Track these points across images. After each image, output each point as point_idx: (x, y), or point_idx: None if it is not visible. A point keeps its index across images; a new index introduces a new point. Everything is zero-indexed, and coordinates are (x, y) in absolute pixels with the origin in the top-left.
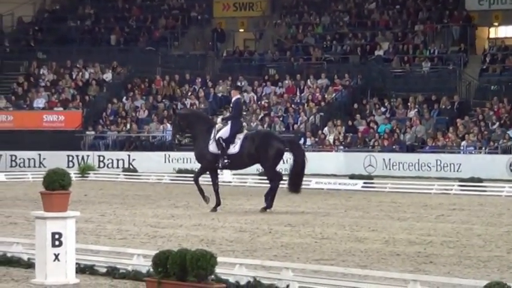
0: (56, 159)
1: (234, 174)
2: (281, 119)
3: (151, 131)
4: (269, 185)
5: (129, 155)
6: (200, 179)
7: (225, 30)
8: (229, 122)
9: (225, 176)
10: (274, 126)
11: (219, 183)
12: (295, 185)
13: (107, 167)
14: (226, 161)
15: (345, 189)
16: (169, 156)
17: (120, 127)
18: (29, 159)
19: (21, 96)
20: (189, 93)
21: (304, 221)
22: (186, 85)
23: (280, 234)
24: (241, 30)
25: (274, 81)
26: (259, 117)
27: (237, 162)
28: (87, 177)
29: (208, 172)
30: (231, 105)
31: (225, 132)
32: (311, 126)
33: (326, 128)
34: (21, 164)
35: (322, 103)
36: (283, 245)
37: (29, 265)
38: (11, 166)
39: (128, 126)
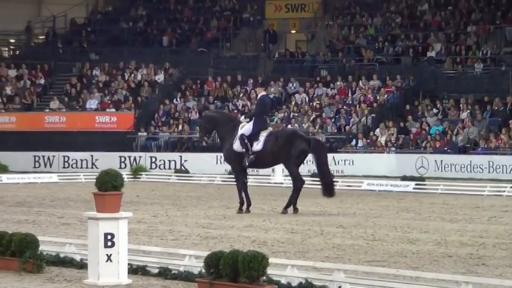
0: (108, 160)
1: (286, 176)
2: (333, 120)
3: None
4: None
5: (181, 156)
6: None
7: (276, 32)
8: (253, 119)
9: (277, 177)
10: (326, 127)
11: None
12: (328, 188)
13: (159, 168)
14: (252, 156)
15: (397, 191)
16: (221, 157)
17: (172, 128)
18: (81, 160)
19: (74, 97)
20: (241, 95)
21: (356, 222)
22: (237, 86)
23: (332, 236)
24: (293, 31)
25: (325, 83)
26: (311, 118)
27: (261, 160)
28: (139, 178)
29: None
30: (256, 102)
31: (247, 129)
32: (363, 128)
33: (378, 130)
34: (74, 165)
35: (374, 104)
36: (334, 247)
37: (82, 265)
38: (64, 167)
39: (180, 127)
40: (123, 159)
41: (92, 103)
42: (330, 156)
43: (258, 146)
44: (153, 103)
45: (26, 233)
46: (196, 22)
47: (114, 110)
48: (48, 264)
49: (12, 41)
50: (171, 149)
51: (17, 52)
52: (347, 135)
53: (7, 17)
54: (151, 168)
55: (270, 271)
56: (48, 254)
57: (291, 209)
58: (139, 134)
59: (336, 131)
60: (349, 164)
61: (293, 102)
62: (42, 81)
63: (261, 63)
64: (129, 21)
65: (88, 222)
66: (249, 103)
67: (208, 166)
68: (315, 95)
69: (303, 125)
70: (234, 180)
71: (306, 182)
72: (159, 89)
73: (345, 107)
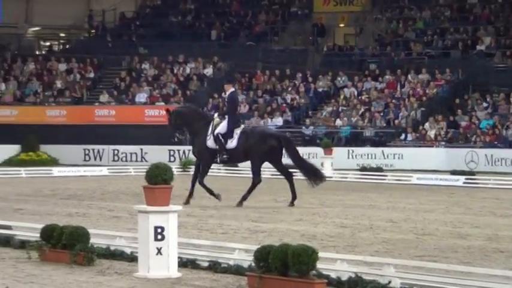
0: (157, 153)
1: (335, 170)
2: (381, 114)
3: (252, 125)
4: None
5: None
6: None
7: (325, 25)
8: (226, 117)
9: (326, 171)
10: (375, 121)
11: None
12: (313, 174)
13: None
14: (225, 156)
15: (447, 185)
16: None
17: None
18: (131, 153)
19: (123, 91)
20: (289, 88)
21: (406, 216)
22: (286, 80)
23: (382, 230)
24: (342, 25)
25: (374, 76)
26: (360, 112)
27: (235, 157)
28: (188, 171)
29: (204, 165)
30: (226, 100)
31: (222, 127)
32: (412, 122)
33: (427, 124)
34: (124, 158)
35: (423, 98)
36: (384, 241)
37: (132, 258)
38: (114, 160)
39: None
40: (172, 152)
41: (141, 97)
42: (379, 150)
43: (232, 143)
44: (201, 97)
45: (76, 226)
46: (244, 16)
47: (163, 103)
48: (98, 257)
49: (62, 35)
50: None
51: (67, 46)
52: (396, 129)
53: (58, 11)
54: None
55: (319, 265)
56: (98, 247)
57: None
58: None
59: (384, 125)
60: (398, 158)
61: (342, 96)
62: (91, 75)
63: (310, 57)
64: (177, 15)
65: (138, 215)
66: (297, 97)
67: None
68: (363, 89)
69: (352, 118)
70: (193, 172)
71: (353, 176)
72: (208, 82)
73: (393, 100)
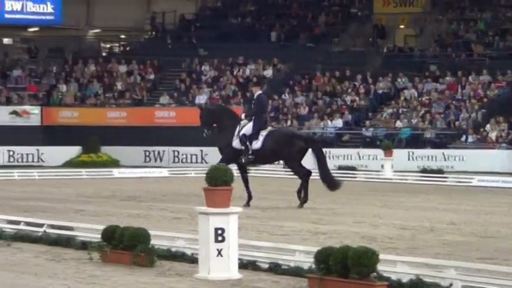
0: (217, 155)
1: (395, 171)
2: (442, 115)
3: (311, 127)
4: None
5: None
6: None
7: (385, 26)
8: (253, 119)
9: (386, 172)
10: (435, 123)
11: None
12: (330, 182)
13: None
14: (250, 157)
15: (508, 187)
16: (330, 152)
17: (280, 123)
18: (191, 155)
19: (183, 92)
20: (349, 90)
21: (467, 219)
22: (346, 81)
23: (442, 232)
24: (402, 26)
25: (435, 78)
26: (420, 114)
27: (260, 158)
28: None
29: (238, 169)
30: (253, 101)
31: (248, 129)
32: (473, 123)
33: (488, 125)
34: (184, 160)
35: (484, 100)
36: (445, 243)
37: (193, 260)
38: (174, 162)
39: (289, 122)
40: None
41: (201, 98)
42: (439, 151)
43: (257, 144)
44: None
45: (137, 227)
46: (304, 17)
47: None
48: (159, 258)
49: (122, 37)
50: None
51: (128, 48)
52: (457, 130)
53: (118, 13)
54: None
55: (379, 267)
56: (159, 248)
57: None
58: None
59: (445, 126)
60: (459, 159)
61: (402, 98)
62: (152, 76)
63: (369, 58)
64: (237, 16)
65: (199, 217)
66: (357, 98)
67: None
68: (424, 90)
69: (412, 120)
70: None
71: (413, 178)
72: (268, 84)
73: (454, 102)
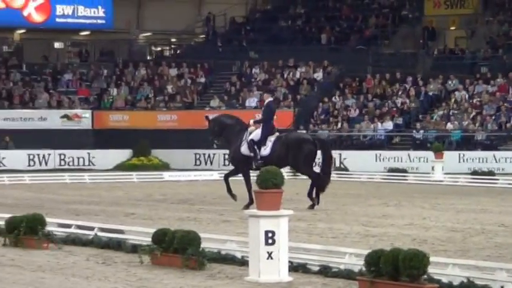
0: None
1: (445, 174)
2: (493, 117)
3: (362, 129)
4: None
5: (340, 154)
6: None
7: (436, 28)
8: (261, 125)
9: (437, 175)
10: (486, 125)
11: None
12: (323, 184)
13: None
14: (259, 162)
15: None
16: (380, 155)
17: (331, 126)
18: None
19: (233, 95)
20: (400, 92)
21: None
22: (396, 84)
23: (494, 234)
24: (453, 28)
25: (486, 80)
26: (471, 115)
27: (269, 164)
28: (298, 175)
29: (241, 172)
30: (263, 108)
31: (256, 134)
32: None
33: None
34: None
35: None
36: (496, 245)
37: (243, 263)
38: (224, 165)
39: (339, 125)
40: None
41: (252, 101)
42: (490, 153)
43: (265, 151)
44: (311, 101)
45: (188, 230)
46: (354, 20)
47: None
48: (209, 261)
49: (173, 40)
50: (330, 146)
51: (178, 51)
52: (508, 132)
53: (169, 17)
54: None
55: (430, 270)
56: (209, 251)
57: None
58: (298, 131)
59: (496, 128)
60: (510, 161)
61: (452, 100)
62: (202, 79)
63: (420, 60)
64: (288, 19)
65: (249, 219)
66: (408, 100)
67: (368, 164)
68: (475, 92)
69: (463, 122)
70: (243, 179)
71: (464, 180)
72: (318, 86)
73: (505, 104)
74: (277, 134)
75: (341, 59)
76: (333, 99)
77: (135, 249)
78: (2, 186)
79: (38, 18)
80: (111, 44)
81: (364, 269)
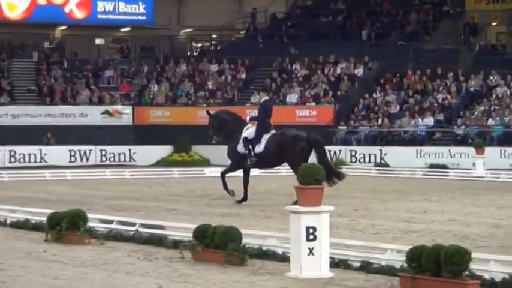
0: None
1: (487, 170)
2: None
3: (403, 125)
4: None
5: (381, 150)
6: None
7: (477, 24)
8: (256, 124)
9: (478, 170)
10: None
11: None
12: (329, 178)
13: (359, 161)
14: (253, 159)
15: None
16: (421, 150)
17: (371, 122)
18: None
19: (274, 91)
20: (441, 88)
21: None
22: (437, 79)
23: None
24: (494, 23)
25: None
26: None
27: (264, 161)
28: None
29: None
30: (259, 107)
31: (250, 133)
32: None
33: None
34: None
35: None
36: None
37: (284, 259)
38: None
39: (380, 121)
40: None
41: (292, 97)
42: None
43: (259, 148)
44: (352, 97)
45: (229, 226)
46: (395, 15)
47: (314, 104)
48: (251, 257)
49: (214, 36)
50: (371, 142)
51: (219, 47)
52: None
53: (209, 12)
54: (351, 161)
55: (472, 266)
56: (251, 247)
57: None
58: (339, 127)
59: None
60: None
61: (494, 96)
62: (243, 75)
63: (461, 56)
64: (328, 15)
65: (290, 215)
66: (449, 96)
67: (409, 159)
68: None
69: (504, 118)
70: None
71: (506, 176)
72: (359, 82)
73: None
74: (272, 131)
75: (382, 54)
76: (374, 95)
77: (176, 245)
78: (44, 182)
79: (79, 14)
80: (152, 40)
81: (405, 265)
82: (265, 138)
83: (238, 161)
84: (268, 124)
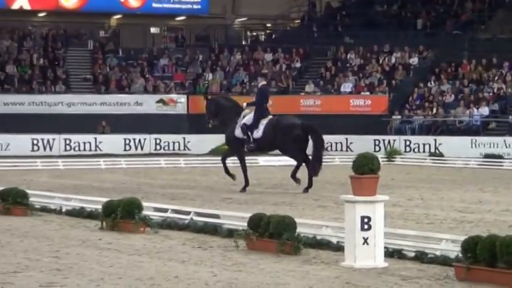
0: (362, 143)
1: None
2: None
3: (457, 115)
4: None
5: (435, 140)
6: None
7: None
8: (254, 109)
9: None
10: None
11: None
12: (315, 169)
13: (413, 151)
14: (252, 145)
15: None
16: (475, 140)
17: (426, 111)
18: (336, 143)
19: (328, 80)
20: (496, 78)
21: None
22: (493, 69)
23: None
24: None
25: None
26: None
27: (262, 146)
28: (393, 161)
29: (236, 155)
30: (256, 92)
31: (249, 119)
32: None
33: None
34: (329, 148)
35: None
36: None
37: (338, 248)
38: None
39: (434, 110)
40: (377, 142)
41: (347, 86)
42: None
43: (257, 133)
44: (407, 86)
45: (283, 215)
46: (451, 4)
47: (368, 93)
48: (305, 246)
49: (268, 25)
50: (425, 132)
51: (273, 36)
52: None
53: (264, 1)
54: (405, 151)
55: None
56: (305, 236)
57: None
58: (393, 117)
59: None
60: None
61: None
62: (297, 64)
63: None
64: (383, 4)
65: (345, 205)
66: (504, 86)
67: (463, 149)
68: None
69: None
70: (238, 162)
71: None
72: (414, 72)
73: None
74: (270, 117)
75: (437, 44)
76: (429, 84)
77: (230, 233)
78: (99, 170)
79: (134, 3)
80: (206, 29)
81: (460, 255)
82: (262, 123)
83: (235, 146)
84: (265, 109)
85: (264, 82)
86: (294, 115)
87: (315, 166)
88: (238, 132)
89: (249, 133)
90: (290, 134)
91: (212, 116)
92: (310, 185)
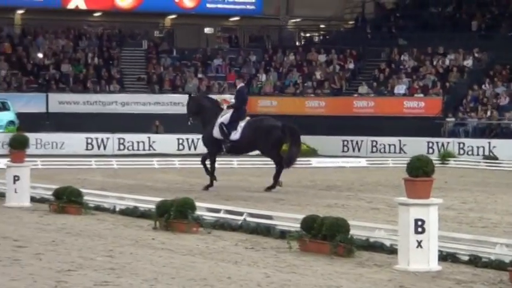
0: (415, 145)
1: None
2: None
3: (511, 118)
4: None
5: (489, 142)
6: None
7: None
8: (232, 110)
9: None
10: None
11: None
12: (290, 163)
13: (467, 154)
14: (229, 145)
15: None
16: None
17: (480, 114)
18: (389, 145)
19: (382, 82)
20: None
21: None
22: None
23: None
24: None
25: None
26: None
27: (239, 148)
28: (447, 164)
29: (210, 155)
30: (235, 94)
31: (226, 118)
32: None
33: None
34: (382, 150)
35: None
36: None
37: (391, 251)
38: (372, 152)
39: (489, 113)
40: (430, 144)
41: (400, 88)
42: None
43: (235, 135)
44: (461, 88)
45: (336, 217)
46: (506, 6)
47: (422, 95)
48: (358, 248)
49: (322, 26)
50: (479, 134)
51: (327, 37)
52: None
53: (317, 3)
54: (459, 154)
55: None
56: (358, 239)
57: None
58: (447, 119)
59: None
60: None
61: None
62: (351, 66)
63: None
64: (438, 5)
65: (398, 207)
66: None
67: None
68: None
69: None
70: (209, 162)
71: None
72: (468, 74)
73: None
74: (247, 118)
75: (492, 46)
76: (483, 86)
77: (283, 235)
78: (152, 170)
79: (188, 3)
80: (260, 29)
81: None
82: (241, 126)
83: (214, 148)
84: (244, 111)
85: (242, 84)
86: (347, 116)
87: (287, 163)
88: (216, 132)
89: (226, 132)
90: (271, 135)
91: (192, 114)
92: (274, 185)
